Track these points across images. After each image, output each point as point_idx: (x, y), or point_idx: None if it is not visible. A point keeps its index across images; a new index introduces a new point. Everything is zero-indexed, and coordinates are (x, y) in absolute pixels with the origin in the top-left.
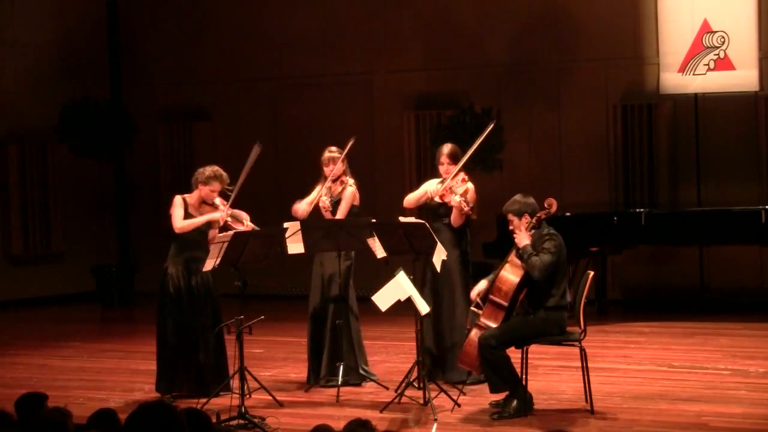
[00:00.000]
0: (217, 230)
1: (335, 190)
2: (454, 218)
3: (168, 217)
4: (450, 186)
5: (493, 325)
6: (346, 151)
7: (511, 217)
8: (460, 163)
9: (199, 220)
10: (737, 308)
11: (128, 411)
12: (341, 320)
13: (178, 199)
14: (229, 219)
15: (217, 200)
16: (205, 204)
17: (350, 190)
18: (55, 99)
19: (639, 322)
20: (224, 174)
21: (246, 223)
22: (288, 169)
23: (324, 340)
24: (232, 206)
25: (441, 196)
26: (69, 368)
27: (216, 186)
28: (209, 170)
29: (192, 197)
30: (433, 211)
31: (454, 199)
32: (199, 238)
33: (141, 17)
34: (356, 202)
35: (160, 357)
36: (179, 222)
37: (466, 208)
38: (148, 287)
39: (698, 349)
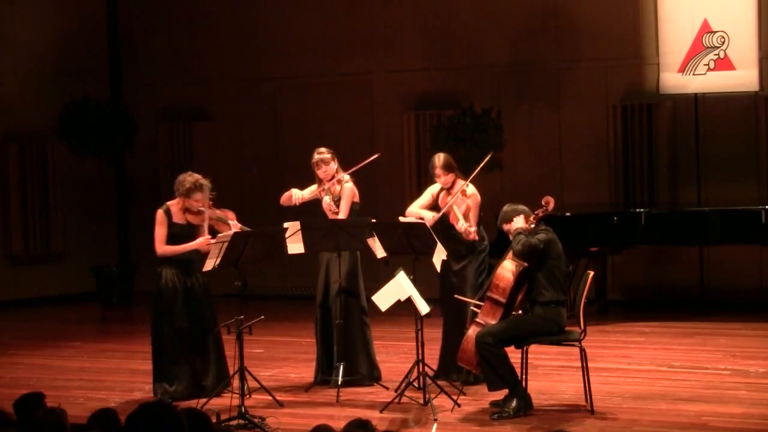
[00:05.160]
0: (205, 233)
1: (335, 190)
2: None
3: (152, 230)
4: (452, 206)
5: (492, 322)
6: (365, 162)
7: (505, 226)
8: (457, 189)
9: (183, 247)
10: (737, 308)
11: (128, 411)
12: (341, 321)
13: (160, 216)
14: (225, 228)
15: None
16: (189, 211)
17: (348, 187)
18: (55, 99)
19: (639, 322)
20: (204, 182)
21: (232, 222)
22: (288, 169)
23: (332, 339)
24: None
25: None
26: (69, 368)
27: (198, 196)
28: (189, 182)
29: (176, 204)
30: (445, 219)
31: (459, 226)
32: (190, 240)
33: (141, 17)
34: (356, 199)
35: (156, 360)
36: (160, 246)
37: (471, 236)
38: (148, 287)
39: (698, 349)
